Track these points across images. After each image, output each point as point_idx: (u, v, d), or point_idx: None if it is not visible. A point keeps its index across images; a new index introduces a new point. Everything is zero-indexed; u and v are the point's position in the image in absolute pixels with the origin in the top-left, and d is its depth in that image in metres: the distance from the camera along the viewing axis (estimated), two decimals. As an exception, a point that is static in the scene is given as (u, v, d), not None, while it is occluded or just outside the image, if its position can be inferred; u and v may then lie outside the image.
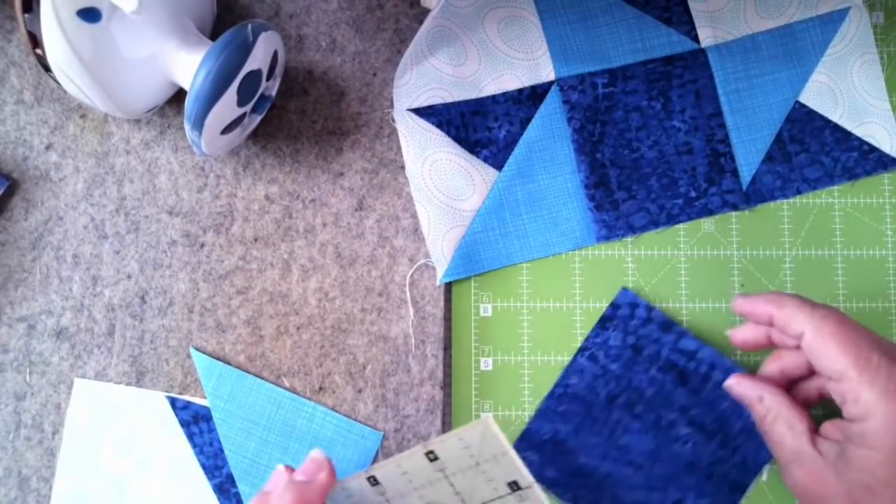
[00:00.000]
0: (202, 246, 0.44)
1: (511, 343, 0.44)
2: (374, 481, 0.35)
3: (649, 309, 0.44)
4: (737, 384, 0.40)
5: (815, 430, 0.37)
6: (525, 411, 0.44)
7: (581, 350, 0.44)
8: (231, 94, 0.38)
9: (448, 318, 0.44)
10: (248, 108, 0.41)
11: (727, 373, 0.41)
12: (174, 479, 0.43)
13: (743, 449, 0.42)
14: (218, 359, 0.44)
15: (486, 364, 0.44)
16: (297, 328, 0.44)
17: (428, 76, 0.45)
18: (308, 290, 0.44)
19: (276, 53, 0.40)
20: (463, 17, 0.44)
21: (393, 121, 0.45)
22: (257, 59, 0.38)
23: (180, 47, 0.39)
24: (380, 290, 0.44)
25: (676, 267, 0.45)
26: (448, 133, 0.44)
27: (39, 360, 0.44)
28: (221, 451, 0.43)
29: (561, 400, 0.43)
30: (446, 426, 0.44)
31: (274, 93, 0.43)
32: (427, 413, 0.43)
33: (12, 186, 0.45)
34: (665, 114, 0.45)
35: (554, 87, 0.45)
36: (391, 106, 0.45)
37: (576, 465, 0.43)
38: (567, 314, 0.44)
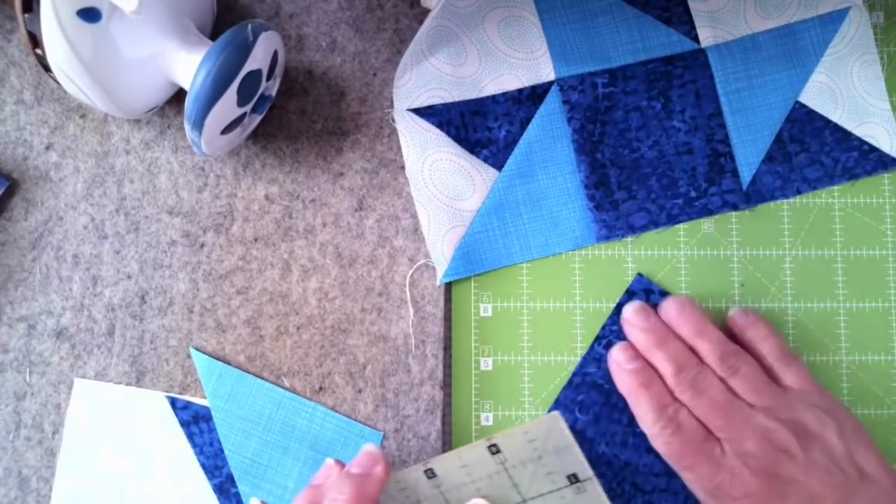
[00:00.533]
0: (202, 246, 0.44)
1: (511, 343, 0.44)
2: (431, 474, 0.36)
3: (664, 295, 0.44)
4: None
5: None
6: (525, 411, 0.44)
7: (598, 338, 0.44)
8: (231, 94, 0.38)
9: (448, 318, 0.44)
10: (248, 108, 0.41)
11: None
12: (174, 479, 0.43)
13: None
14: (218, 359, 0.44)
15: (486, 364, 0.44)
16: (297, 328, 0.44)
17: (428, 76, 0.45)
18: (308, 290, 0.44)
19: (276, 53, 0.40)
20: (463, 17, 0.44)
21: (393, 121, 0.45)
22: (257, 59, 0.38)
23: (180, 47, 0.39)
24: (380, 290, 0.44)
25: (676, 267, 0.45)
26: (448, 133, 0.44)
27: (39, 360, 0.44)
28: (221, 451, 0.43)
29: (579, 389, 0.44)
30: (446, 426, 0.44)
31: (274, 93, 0.43)
32: (427, 413, 0.43)
33: (12, 186, 0.45)
34: (665, 114, 0.45)
35: (554, 87, 0.45)
36: (391, 106, 0.45)
37: (596, 454, 0.43)
38: (567, 314, 0.44)
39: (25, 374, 0.44)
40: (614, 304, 0.44)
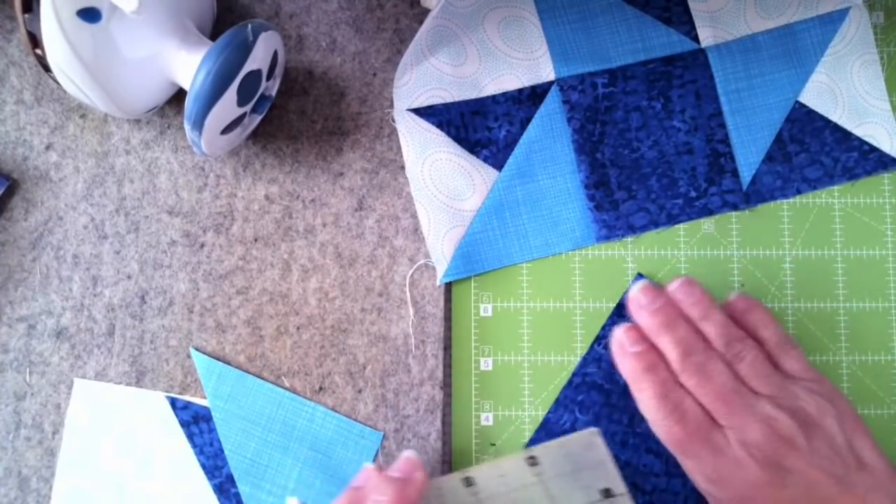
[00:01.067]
0: (202, 246, 0.44)
1: (511, 343, 0.44)
2: (469, 482, 0.37)
3: None
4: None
5: None
6: (525, 411, 0.44)
7: (598, 338, 0.44)
8: (231, 94, 0.38)
9: (448, 318, 0.44)
10: (248, 108, 0.41)
11: None
12: (174, 479, 0.43)
13: None
14: (218, 359, 0.44)
15: (486, 364, 0.44)
16: (297, 328, 0.44)
17: (428, 76, 0.45)
18: (308, 290, 0.44)
19: (276, 53, 0.40)
20: (463, 17, 0.44)
21: (393, 121, 0.45)
22: (257, 59, 0.38)
23: (180, 47, 0.39)
24: (380, 290, 0.44)
25: (676, 267, 0.45)
26: (448, 133, 0.44)
27: (39, 360, 0.44)
28: (221, 451, 0.43)
29: (579, 389, 0.44)
30: (446, 426, 0.44)
31: (274, 93, 0.43)
32: (427, 413, 0.43)
33: (12, 186, 0.45)
34: (665, 114, 0.45)
35: (554, 87, 0.45)
36: (391, 106, 0.45)
37: None
38: (567, 314, 0.44)
39: (25, 374, 0.44)
40: (614, 305, 0.44)
